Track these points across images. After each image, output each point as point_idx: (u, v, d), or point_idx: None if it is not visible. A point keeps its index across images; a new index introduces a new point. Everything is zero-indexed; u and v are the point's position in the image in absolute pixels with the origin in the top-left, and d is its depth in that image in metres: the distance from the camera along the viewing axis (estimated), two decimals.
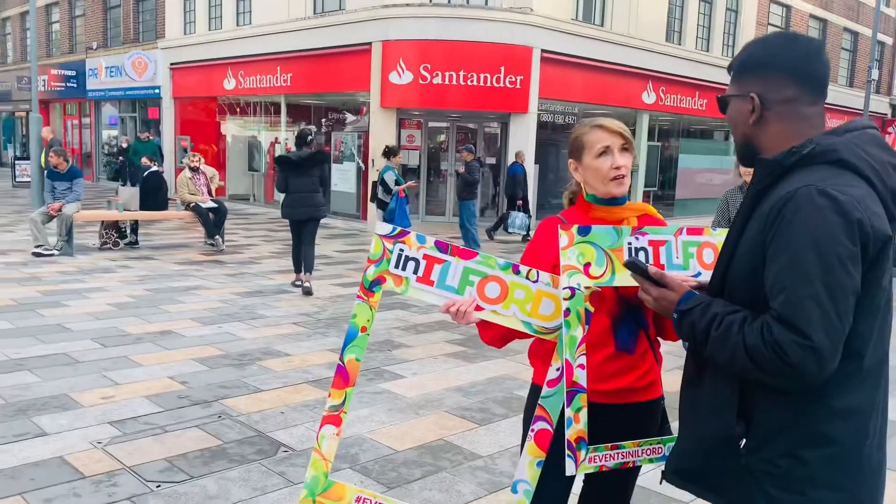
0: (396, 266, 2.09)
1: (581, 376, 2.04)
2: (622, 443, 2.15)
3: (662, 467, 1.88)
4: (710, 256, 2.10)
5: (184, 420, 4.48)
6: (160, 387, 5.05)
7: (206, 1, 19.82)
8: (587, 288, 2.05)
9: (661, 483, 1.88)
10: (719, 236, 2.09)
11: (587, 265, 2.06)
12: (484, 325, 2.20)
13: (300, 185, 8.38)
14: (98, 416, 4.48)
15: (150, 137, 19.24)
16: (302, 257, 8.59)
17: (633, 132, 18.31)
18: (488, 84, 14.69)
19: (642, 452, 2.17)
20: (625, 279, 2.03)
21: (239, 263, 10.33)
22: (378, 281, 2.09)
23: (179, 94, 21.18)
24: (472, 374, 5.65)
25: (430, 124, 16.35)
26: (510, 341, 2.28)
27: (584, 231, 2.07)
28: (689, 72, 18.79)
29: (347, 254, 11.80)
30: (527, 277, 2.11)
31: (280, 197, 8.94)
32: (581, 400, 2.04)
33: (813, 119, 1.61)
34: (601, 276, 2.06)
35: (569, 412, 2.04)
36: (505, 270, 2.11)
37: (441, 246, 2.12)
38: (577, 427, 2.04)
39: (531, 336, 2.15)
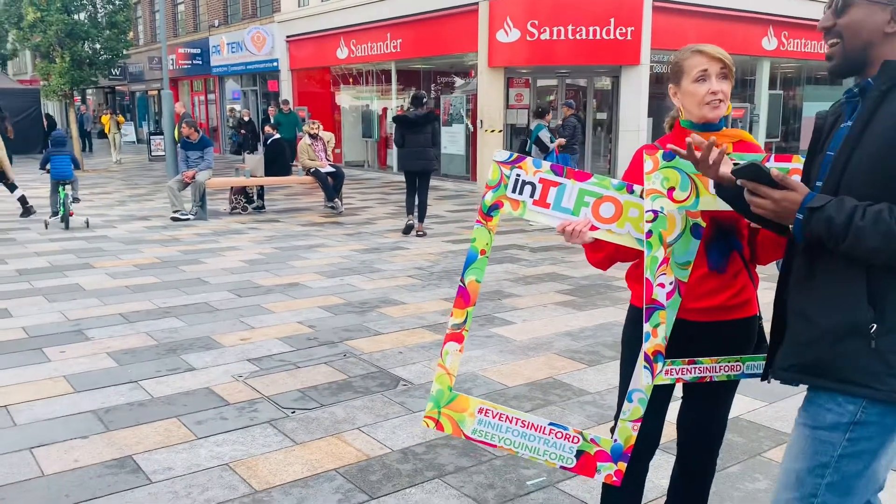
0: (514, 190, 2.23)
1: (661, 294, 2.15)
2: (700, 358, 2.25)
3: (762, 370, 1.96)
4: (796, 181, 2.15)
5: (313, 358, 4.88)
6: (290, 330, 5.49)
7: None
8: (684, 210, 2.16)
9: (766, 381, 1.96)
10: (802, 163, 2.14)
11: (671, 189, 2.15)
12: (592, 248, 2.32)
13: (415, 141, 9.42)
14: (238, 354, 4.95)
15: (291, 109, 20.12)
16: (416, 206, 9.67)
17: (753, 82, 17.51)
18: (598, 37, 14.42)
19: (720, 369, 2.26)
20: (708, 203, 2.12)
21: (356, 224, 10.81)
22: (496, 205, 2.23)
23: (296, 66, 22.00)
24: (581, 320, 5.78)
25: (539, 83, 16.25)
26: (615, 263, 2.41)
27: (668, 157, 2.16)
28: (813, 13, 17.65)
29: (457, 213, 12.07)
30: (641, 196, 2.21)
31: (394, 155, 9.67)
32: (660, 317, 2.15)
33: None
34: (685, 199, 2.15)
35: (647, 327, 2.16)
36: (619, 190, 2.24)
37: (557, 169, 2.25)
38: (654, 341, 2.16)
39: (640, 256, 2.27)
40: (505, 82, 15.47)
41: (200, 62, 26.60)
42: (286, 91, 22.30)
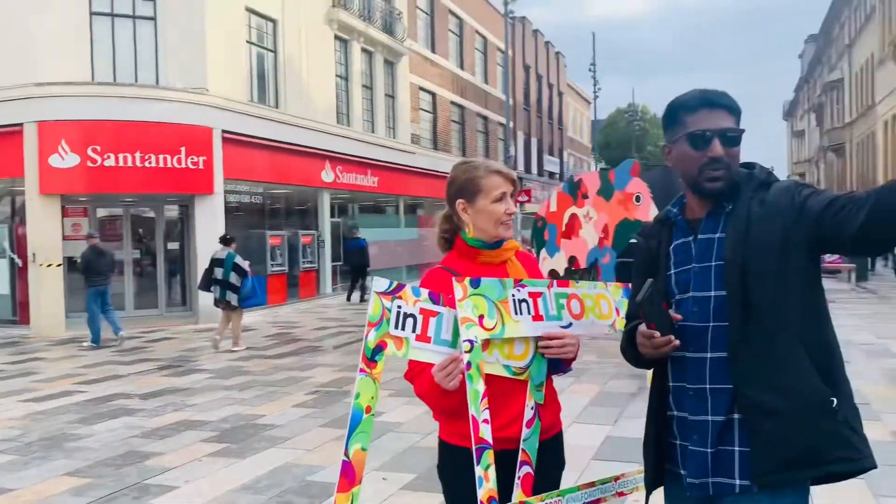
0: (396, 326, 1.95)
1: (487, 432, 2.01)
2: (568, 488, 2.18)
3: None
4: (576, 307, 2.27)
5: None
6: None
7: None
8: (484, 341, 2.08)
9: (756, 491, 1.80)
10: (583, 288, 2.31)
11: (481, 317, 2.08)
12: (445, 394, 2.07)
13: None
14: None
15: None
16: None
17: (316, 210, 18.71)
18: (169, 165, 13.86)
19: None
20: (513, 330, 2.11)
21: None
22: (380, 347, 1.92)
23: None
24: (251, 469, 5.16)
25: (101, 212, 14.78)
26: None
27: (475, 283, 2.10)
28: (359, 151, 19.87)
29: (18, 365, 10.00)
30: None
31: None
32: (489, 457, 2.01)
33: None
34: (493, 327, 2.09)
35: (479, 470, 1.99)
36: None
37: (434, 297, 2.02)
38: (487, 486, 1.98)
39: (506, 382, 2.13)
40: (61, 210, 13.73)
41: None
42: None
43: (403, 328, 1.99)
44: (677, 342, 1.83)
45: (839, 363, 1.84)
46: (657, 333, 1.83)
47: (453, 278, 2.10)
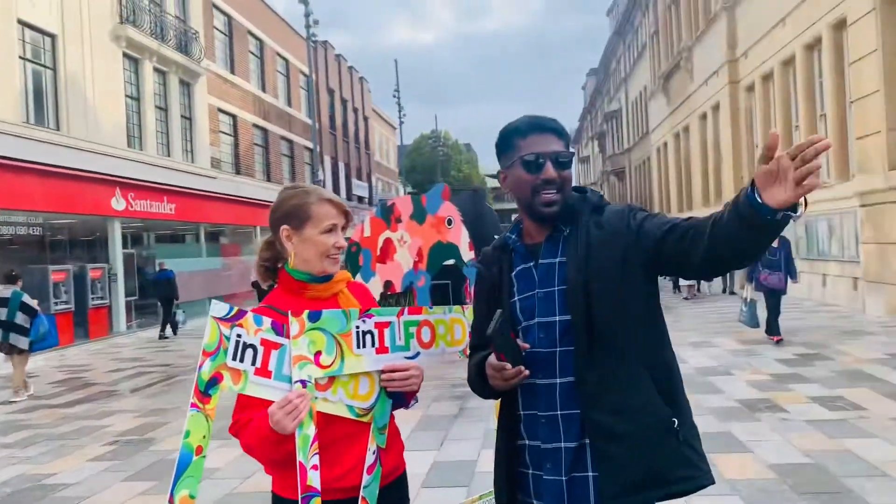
0: (234, 357, 1.76)
1: (315, 479, 1.86)
2: None
3: None
4: (427, 335, 2.16)
5: None
6: None
7: None
8: (317, 382, 1.93)
9: None
10: (436, 314, 2.20)
11: (318, 354, 1.94)
12: (280, 443, 1.85)
13: None
14: None
15: None
16: None
17: (107, 241, 17.22)
18: None
19: None
20: (353, 366, 1.98)
21: None
22: (215, 380, 1.71)
23: None
24: None
25: None
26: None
27: (314, 316, 1.96)
28: (154, 176, 18.59)
29: None
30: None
31: None
32: None
33: None
34: (331, 364, 1.96)
35: None
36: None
37: (277, 327, 1.83)
38: None
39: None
40: None
41: None
42: None
43: (242, 360, 1.79)
44: (527, 372, 1.78)
45: (678, 383, 1.87)
46: (508, 365, 1.76)
47: (289, 313, 1.92)
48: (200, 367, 1.73)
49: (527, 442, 1.88)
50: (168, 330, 16.72)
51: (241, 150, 25.29)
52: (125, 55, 18.14)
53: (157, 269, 17.32)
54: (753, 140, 20.15)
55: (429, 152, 58.67)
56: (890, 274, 11.77)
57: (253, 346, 1.82)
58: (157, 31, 19.41)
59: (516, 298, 1.91)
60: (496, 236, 11.16)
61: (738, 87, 20.72)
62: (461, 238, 10.56)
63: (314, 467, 1.84)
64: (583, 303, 1.77)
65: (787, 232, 10.43)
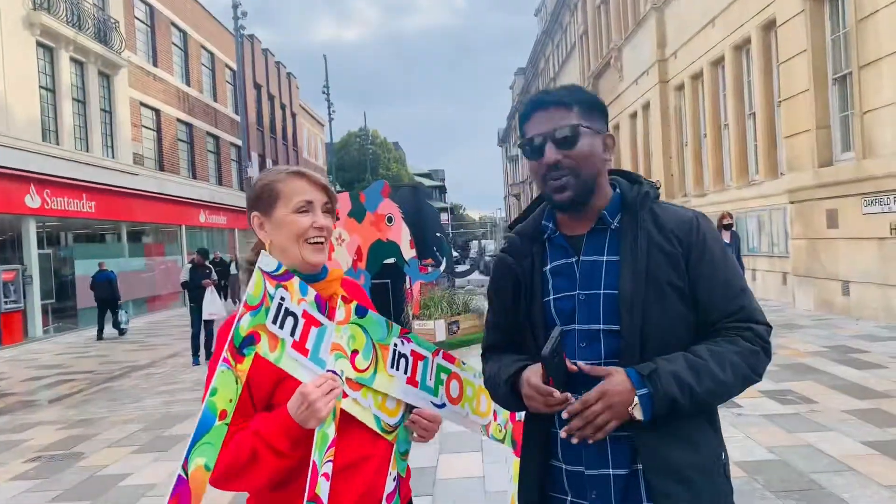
0: (275, 321, 1.52)
1: (324, 490, 1.57)
2: None
3: None
4: (455, 390, 1.98)
5: None
6: None
7: None
8: (347, 380, 1.68)
9: None
10: (466, 373, 2.02)
11: (355, 353, 1.70)
12: (291, 440, 1.55)
13: None
14: None
15: None
16: None
17: (21, 241, 16.21)
18: None
19: None
20: (383, 384, 1.75)
21: None
22: (251, 338, 1.47)
23: None
24: None
25: None
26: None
27: (361, 312, 1.73)
28: (71, 172, 17.60)
29: None
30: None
31: None
32: None
33: None
34: (365, 370, 1.72)
35: None
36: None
37: (320, 303, 1.62)
38: None
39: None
40: None
41: None
42: None
43: (282, 326, 1.54)
44: (574, 400, 1.51)
45: (716, 412, 1.66)
46: (556, 392, 1.50)
47: (339, 298, 1.69)
48: (239, 319, 1.47)
49: (563, 466, 1.63)
50: (106, 331, 16.11)
51: (165, 145, 24.28)
52: (39, 44, 17.09)
53: (98, 269, 16.44)
54: (683, 139, 20.57)
55: (357, 150, 58.07)
56: (819, 268, 12.12)
57: (294, 316, 1.57)
58: (74, 19, 18.38)
59: (550, 298, 1.64)
60: (437, 234, 10.90)
61: (668, 86, 21.10)
62: (402, 236, 10.30)
63: (325, 475, 1.57)
64: (639, 314, 1.53)
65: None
